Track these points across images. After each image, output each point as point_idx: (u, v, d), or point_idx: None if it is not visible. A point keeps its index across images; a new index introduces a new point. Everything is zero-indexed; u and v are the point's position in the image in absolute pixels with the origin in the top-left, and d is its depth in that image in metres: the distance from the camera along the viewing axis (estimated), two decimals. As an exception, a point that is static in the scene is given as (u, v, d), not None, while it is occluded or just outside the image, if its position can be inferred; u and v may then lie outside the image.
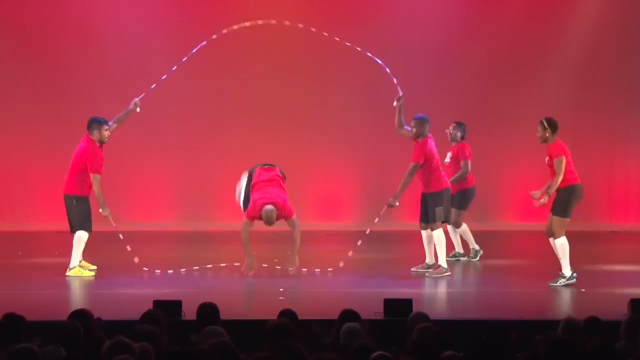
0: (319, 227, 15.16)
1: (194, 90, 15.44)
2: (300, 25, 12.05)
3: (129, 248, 11.21)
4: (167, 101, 15.01)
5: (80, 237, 11.02)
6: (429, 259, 11.40)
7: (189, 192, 15.70)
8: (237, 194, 11.50)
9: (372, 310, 8.21)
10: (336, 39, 11.65)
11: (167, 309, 7.75)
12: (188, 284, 10.41)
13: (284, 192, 11.12)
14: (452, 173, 12.18)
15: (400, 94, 11.31)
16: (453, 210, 11.94)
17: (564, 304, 9.93)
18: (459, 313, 9.11)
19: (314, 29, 11.86)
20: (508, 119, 15.73)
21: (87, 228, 11.06)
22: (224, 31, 11.83)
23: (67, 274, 10.97)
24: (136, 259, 11.25)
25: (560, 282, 10.38)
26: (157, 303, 7.99)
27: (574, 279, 10.39)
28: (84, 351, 5.86)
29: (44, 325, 7.25)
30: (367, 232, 11.42)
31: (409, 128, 11.34)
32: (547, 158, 10.56)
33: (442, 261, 11.12)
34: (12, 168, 15.50)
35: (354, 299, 9.33)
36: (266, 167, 11.32)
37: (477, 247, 12.37)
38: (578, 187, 10.50)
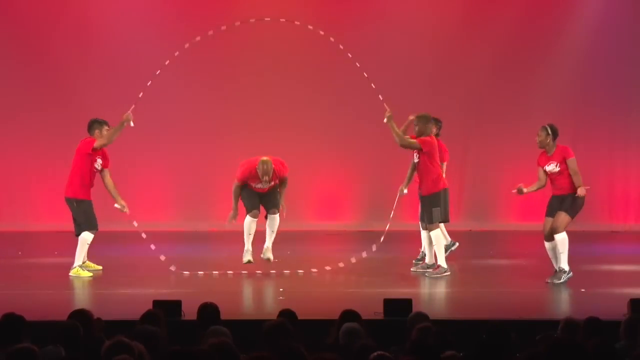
0: (319, 227, 15.18)
1: (194, 91, 15.45)
2: (297, 23, 12.05)
3: (153, 247, 11.20)
4: (167, 101, 15.02)
5: (85, 239, 11.05)
6: (428, 259, 11.41)
7: (189, 192, 15.70)
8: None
9: (372, 310, 8.21)
10: (331, 39, 11.63)
11: (167, 309, 7.75)
12: (188, 284, 10.41)
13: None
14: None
15: (387, 110, 11.21)
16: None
17: (564, 304, 9.93)
18: (459, 313, 9.10)
19: (310, 27, 11.86)
20: (508, 119, 15.74)
21: (92, 229, 11.07)
22: (223, 28, 11.84)
23: (70, 274, 10.98)
24: (162, 257, 11.24)
25: (564, 278, 10.42)
26: (157, 303, 7.99)
27: (571, 273, 10.47)
28: (84, 351, 5.86)
29: (44, 325, 7.25)
30: (382, 239, 11.41)
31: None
32: (554, 164, 10.56)
33: (442, 261, 11.12)
34: (12, 168, 15.50)
35: (354, 299, 9.33)
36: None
37: (448, 241, 12.32)
38: (583, 197, 10.62)
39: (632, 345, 6.33)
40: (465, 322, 8.39)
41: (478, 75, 15.69)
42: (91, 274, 11.06)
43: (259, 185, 11.10)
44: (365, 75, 11.28)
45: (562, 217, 10.54)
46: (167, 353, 5.44)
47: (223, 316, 6.94)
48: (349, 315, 6.74)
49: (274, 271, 11.24)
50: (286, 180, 11.26)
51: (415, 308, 7.98)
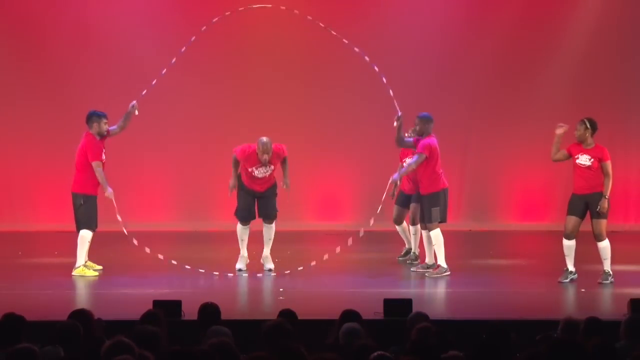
0: (318, 227, 15.18)
1: (194, 90, 15.43)
2: (296, 12, 12.08)
3: (135, 242, 11.19)
4: (167, 101, 15.01)
5: (84, 237, 11.03)
6: (428, 259, 11.41)
7: (189, 192, 15.70)
8: None
9: (372, 310, 8.21)
10: (333, 32, 11.63)
11: (167, 309, 7.75)
12: (188, 284, 10.41)
13: None
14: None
15: (399, 113, 11.25)
16: (396, 207, 12.08)
17: (564, 304, 9.93)
18: (459, 313, 9.11)
19: (309, 17, 11.87)
20: (508, 119, 15.73)
21: (91, 227, 11.06)
22: (214, 20, 11.87)
23: (73, 273, 10.98)
24: (147, 249, 11.24)
25: (610, 279, 10.60)
26: (157, 303, 7.99)
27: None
28: (84, 351, 5.86)
29: (44, 325, 7.25)
30: (371, 223, 11.40)
31: (409, 139, 11.36)
32: (588, 158, 10.60)
33: (442, 261, 11.12)
34: (12, 168, 15.49)
35: (354, 299, 9.34)
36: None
37: (412, 247, 12.31)
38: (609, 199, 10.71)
39: (632, 345, 6.33)
40: (465, 322, 8.40)
41: (478, 75, 15.68)
42: (96, 274, 11.05)
43: (257, 171, 11.09)
44: (376, 69, 11.31)
45: (602, 223, 10.62)
46: (167, 353, 5.45)
47: (223, 316, 6.94)
48: (349, 315, 6.74)
49: (274, 274, 11.24)
50: (286, 159, 11.27)
51: (415, 308, 7.98)
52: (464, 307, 9.43)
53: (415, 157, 11.10)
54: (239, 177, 11.30)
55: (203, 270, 10.93)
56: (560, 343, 5.64)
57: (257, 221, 11.41)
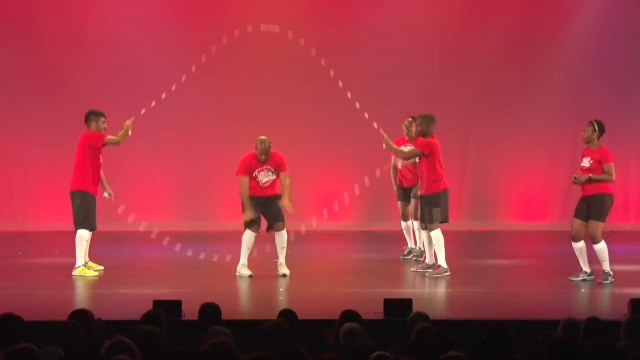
0: (318, 227, 15.15)
1: (193, 90, 15.41)
2: (291, 32, 12.15)
3: (120, 211, 11.18)
4: (167, 101, 14.98)
5: (82, 236, 10.99)
6: (428, 259, 11.41)
7: (189, 192, 15.69)
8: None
9: (372, 310, 8.21)
10: (330, 71, 11.71)
11: (167, 309, 7.74)
12: (188, 284, 10.41)
13: None
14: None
15: (385, 135, 11.28)
16: (400, 204, 12.17)
17: (564, 304, 9.93)
18: (459, 313, 9.11)
19: (303, 39, 11.94)
20: (509, 119, 15.73)
21: (89, 226, 11.03)
22: (224, 41, 11.90)
23: (73, 273, 10.97)
24: (132, 218, 11.20)
25: (610, 279, 10.57)
26: (157, 303, 7.99)
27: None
28: (84, 351, 5.86)
29: (43, 326, 7.25)
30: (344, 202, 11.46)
31: (405, 148, 11.43)
32: (588, 160, 10.63)
33: (442, 261, 11.12)
34: (12, 168, 15.49)
35: (354, 299, 9.33)
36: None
37: (414, 246, 12.35)
38: (612, 196, 10.72)
39: (632, 345, 6.33)
40: (465, 322, 8.40)
41: (478, 75, 15.67)
42: (97, 274, 11.04)
43: (261, 176, 11.06)
44: (349, 95, 11.43)
45: (594, 225, 10.62)
46: (167, 353, 5.45)
47: (223, 316, 6.94)
48: (349, 315, 6.74)
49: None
50: (288, 177, 11.18)
51: (416, 308, 7.98)
52: (464, 307, 9.43)
53: (412, 148, 11.17)
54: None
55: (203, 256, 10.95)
56: (560, 343, 5.64)
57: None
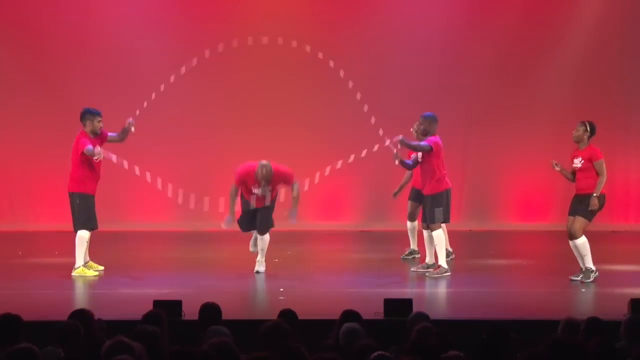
0: (319, 227, 15.16)
1: (193, 89, 15.42)
2: (294, 43, 12.15)
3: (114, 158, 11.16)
4: (166, 100, 14.99)
5: (82, 237, 10.97)
6: (428, 259, 11.41)
7: (189, 191, 15.67)
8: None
9: (372, 310, 8.21)
10: (341, 72, 11.70)
11: (168, 309, 7.74)
12: (188, 284, 10.41)
13: None
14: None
15: (395, 150, 11.24)
16: (411, 203, 12.11)
17: (564, 304, 9.93)
18: (459, 313, 9.11)
19: (308, 47, 11.94)
20: (509, 120, 15.73)
21: (89, 227, 11.01)
22: (220, 49, 11.90)
23: (72, 273, 10.96)
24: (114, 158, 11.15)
25: (592, 277, 10.57)
26: (157, 303, 7.99)
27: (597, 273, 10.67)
28: (84, 351, 5.86)
29: (44, 326, 7.25)
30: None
31: (409, 162, 11.38)
32: (579, 160, 10.66)
33: (442, 261, 11.12)
34: (12, 168, 15.48)
35: (354, 299, 9.33)
36: None
37: (416, 248, 12.36)
38: (604, 197, 10.72)
39: (632, 345, 6.33)
40: (465, 322, 8.40)
41: (478, 75, 15.67)
42: (97, 274, 11.04)
43: (256, 191, 11.07)
44: (358, 97, 11.38)
45: (579, 222, 10.66)
46: (167, 353, 5.45)
47: (223, 316, 6.94)
48: (349, 315, 6.74)
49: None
50: (296, 187, 11.19)
51: (416, 308, 7.98)
52: (464, 307, 9.43)
53: (423, 143, 11.12)
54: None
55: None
56: (560, 343, 5.64)
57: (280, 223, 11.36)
